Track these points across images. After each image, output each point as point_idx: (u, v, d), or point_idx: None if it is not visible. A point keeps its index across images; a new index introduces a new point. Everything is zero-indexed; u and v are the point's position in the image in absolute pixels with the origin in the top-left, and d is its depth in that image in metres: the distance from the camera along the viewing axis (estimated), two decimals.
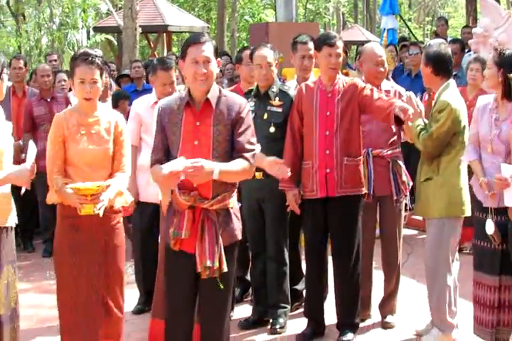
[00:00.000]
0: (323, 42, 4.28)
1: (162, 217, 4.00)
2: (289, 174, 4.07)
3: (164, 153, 3.41)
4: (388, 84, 4.81)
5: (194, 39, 3.30)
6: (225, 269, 3.15)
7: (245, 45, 7.03)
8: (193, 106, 3.29)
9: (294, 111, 4.38)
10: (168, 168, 3.00)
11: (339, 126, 4.26)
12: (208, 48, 3.24)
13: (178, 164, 2.99)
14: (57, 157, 3.72)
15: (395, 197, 4.49)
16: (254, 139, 3.42)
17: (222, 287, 3.25)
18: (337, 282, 4.44)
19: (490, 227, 3.87)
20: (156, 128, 3.48)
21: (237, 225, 3.41)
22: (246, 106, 3.42)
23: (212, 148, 3.22)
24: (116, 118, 3.87)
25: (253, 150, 3.38)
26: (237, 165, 3.22)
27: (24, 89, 7.02)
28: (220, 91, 3.41)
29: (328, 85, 4.38)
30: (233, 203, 3.36)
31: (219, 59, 3.44)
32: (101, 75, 3.74)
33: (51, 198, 3.79)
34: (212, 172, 2.98)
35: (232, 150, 3.28)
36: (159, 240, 4.31)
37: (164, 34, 14.62)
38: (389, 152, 4.49)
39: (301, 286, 5.07)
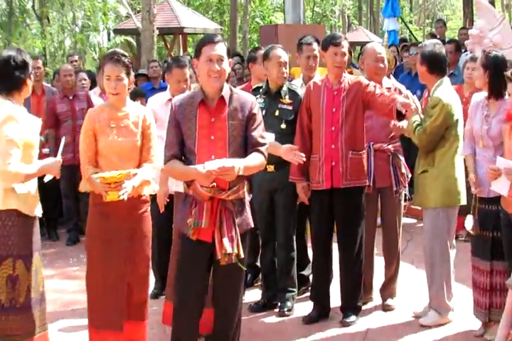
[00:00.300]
0: (329, 42, 4.46)
1: (176, 207, 4.14)
2: (304, 159, 4.23)
3: (179, 148, 3.53)
4: (389, 82, 4.96)
5: (208, 39, 3.44)
6: (242, 255, 3.31)
7: (256, 45, 7.24)
8: (208, 103, 3.42)
9: (302, 108, 4.54)
10: (207, 167, 3.16)
11: (344, 122, 4.43)
12: (221, 48, 3.38)
13: (214, 165, 3.15)
14: (88, 149, 3.90)
15: (394, 189, 4.66)
16: (265, 134, 3.59)
17: (243, 268, 3.43)
18: (342, 268, 4.62)
19: (469, 223, 4.16)
20: (169, 123, 3.60)
21: (250, 214, 3.55)
22: (256, 104, 3.59)
23: (228, 142, 3.38)
24: (144, 112, 4.06)
25: (266, 144, 3.55)
26: (256, 159, 3.41)
27: (43, 88, 7.23)
28: (230, 89, 3.56)
29: (335, 83, 4.55)
30: (245, 193, 3.51)
31: (230, 59, 3.57)
32: (127, 74, 3.91)
33: (84, 187, 3.98)
34: (239, 169, 3.16)
35: (245, 145, 3.44)
36: (173, 228, 4.47)
37: (180, 36, 14.79)
38: (389, 146, 4.66)
39: (307, 272, 5.26)
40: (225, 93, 3.45)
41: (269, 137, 3.65)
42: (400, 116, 4.16)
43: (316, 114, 4.53)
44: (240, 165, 3.21)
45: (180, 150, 3.51)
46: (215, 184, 3.26)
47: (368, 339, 4.40)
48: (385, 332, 4.51)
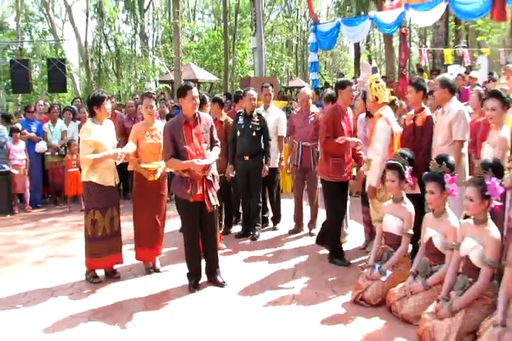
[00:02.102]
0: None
1: (173, 182, 4.71)
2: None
3: (173, 151, 4.36)
4: (314, 108, 6.61)
5: (190, 86, 4.46)
6: (218, 204, 4.66)
7: (238, 90, 9.90)
8: (189, 122, 4.46)
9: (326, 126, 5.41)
10: (202, 163, 4.33)
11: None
12: (196, 91, 4.42)
13: (205, 161, 4.33)
14: (133, 148, 4.95)
15: (312, 168, 6.33)
16: (216, 136, 4.72)
17: (217, 212, 4.68)
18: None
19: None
20: (165, 137, 4.50)
21: (218, 182, 4.70)
22: (212, 121, 4.70)
23: (204, 142, 4.50)
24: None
25: (218, 141, 4.77)
26: (217, 151, 4.68)
27: (114, 113, 8.71)
28: (198, 113, 4.52)
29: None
30: (214, 170, 4.67)
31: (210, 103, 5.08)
32: (155, 103, 5.14)
33: (130, 167, 5.17)
34: (213, 161, 4.46)
35: (210, 142, 4.59)
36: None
37: (196, 84, 18.39)
38: (310, 143, 6.32)
39: (266, 215, 6.99)
40: (197, 116, 4.48)
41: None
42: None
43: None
44: (213, 158, 4.50)
45: (174, 152, 4.39)
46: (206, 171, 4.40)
47: (300, 250, 5.94)
48: (311, 247, 6.01)
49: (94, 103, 4.90)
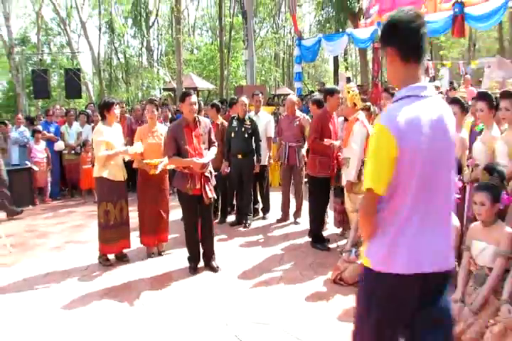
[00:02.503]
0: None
1: (175, 178, 4.63)
2: None
3: (175, 150, 4.35)
4: (299, 113, 6.56)
5: (189, 93, 4.47)
6: (215, 197, 4.67)
7: (233, 96, 9.85)
8: (189, 125, 4.43)
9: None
10: (200, 161, 4.34)
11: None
12: (194, 97, 4.41)
13: (203, 160, 4.35)
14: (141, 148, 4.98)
15: (298, 165, 6.41)
16: (214, 137, 4.67)
17: (213, 203, 4.61)
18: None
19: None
20: (168, 138, 4.49)
21: (214, 177, 4.65)
22: (210, 124, 4.66)
23: (203, 143, 4.50)
24: (165, 129, 5.08)
25: (215, 142, 4.69)
26: (214, 151, 4.61)
27: (124, 117, 8.70)
28: (197, 117, 4.50)
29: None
30: (211, 168, 4.61)
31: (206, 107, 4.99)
32: (157, 109, 5.16)
33: (135, 165, 5.19)
34: (210, 159, 4.41)
35: (208, 143, 4.56)
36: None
37: (195, 91, 18.32)
38: (295, 144, 6.37)
39: (257, 206, 6.99)
40: (197, 119, 4.46)
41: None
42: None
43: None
44: (210, 157, 4.45)
45: (176, 151, 4.38)
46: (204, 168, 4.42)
47: (286, 236, 5.98)
48: (296, 234, 6.09)
49: (104, 108, 4.91)
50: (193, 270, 4.67)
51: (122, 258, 5.15)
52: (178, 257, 5.21)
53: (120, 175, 4.95)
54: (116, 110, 4.95)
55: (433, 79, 14.32)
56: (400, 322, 1.97)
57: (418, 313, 1.94)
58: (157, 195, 5.07)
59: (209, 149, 4.59)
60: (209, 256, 4.77)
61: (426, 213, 1.88)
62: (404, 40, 1.88)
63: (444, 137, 1.90)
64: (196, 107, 4.43)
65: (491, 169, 3.36)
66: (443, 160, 1.90)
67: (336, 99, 5.41)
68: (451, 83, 12.87)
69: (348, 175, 5.03)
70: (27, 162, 8.36)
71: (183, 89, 17.67)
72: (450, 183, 1.97)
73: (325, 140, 5.33)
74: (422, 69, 1.93)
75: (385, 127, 1.82)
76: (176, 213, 6.40)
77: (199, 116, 4.58)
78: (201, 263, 4.90)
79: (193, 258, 4.74)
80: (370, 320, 1.95)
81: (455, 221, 3.59)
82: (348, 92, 5.08)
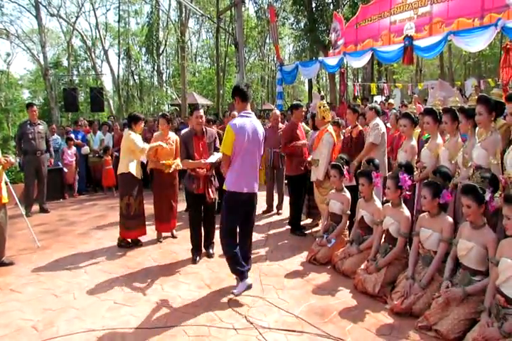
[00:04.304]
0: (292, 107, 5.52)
1: (185, 178, 4.47)
2: None
3: (186, 154, 4.28)
4: (281, 125, 6.35)
5: (197, 107, 4.39)
6: (217, 198, 4.44)
7: (226, 110, 9.76)
8: (197, 134, 4.31)
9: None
10: (207, 161, 4.16)
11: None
12: (201, 111, 4.31)
13: (209, 160, 4.14)
14: (153, 151, 4.94)
15: (280, 167, 6.30)
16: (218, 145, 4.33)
17: (216, 203, 4.36)
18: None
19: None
20: (181, 144, 4.37)
21: (216, 180, 4.43)
22: (216, 133, 4.51)
23: (208, 150, 4.33)
24: (176, 137, 5.13)
25: (219, 149, 3.94)
26: (219, 155, 4.05)
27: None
28: (205, 128, 4.37)
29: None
30: (213, 170, 4.38)
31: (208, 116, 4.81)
32: (168, 122, 5.09)
33: (150, 166, 5.12)
34: (216, 161, 4.13)
35: (213, 150, 4.34)
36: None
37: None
38: (279, 150, 6.11)
39: None
40: (204, 130, 4.37)
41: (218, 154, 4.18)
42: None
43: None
44: (214, 159, 4.16)
45: (187, 156, 4.29)
46: (206, 169, 4.23)
47: (270, 225, 5.86)
48: (278, 223, 6.00)
49: (133, 120, 4.89)
50: (195, 261, 4.41)
51: (137, 243, 5.07)
52: (183, 241, 5.12)
53: (139, 173, 4.90)
54: (142, 125, 4.96)
55: (388, 98, 14.38)
56: (238, 212, 3.45)
57: (245, 209, 3.48)
58: (169, 189, 5.01)
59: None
60: (209, 244, 4.59)
61: (247, 164, 3.40)
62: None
63: (256, 133, 3.45)
64: (202, 120, 4.31)
65: (436, 171, 3.35)
66: (255, 143, 3.43)
67: (300, 112, 5.41)
68: (402, 102, 12.94)
69: (317, 174, 5.01)
70: (59, 163, 8.29)
71: (186, 105, 17.67)
72: (258, 152, 3.51)
73: (293, 142, 5.28)
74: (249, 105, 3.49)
75: (231, 127, 3.34)
76: (182, 205, 6.26)
77: (206, 127, 4.45)
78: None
79: (196, 250, 4.49)
80: (226, 212, 3.44)
81: (406, 212, 3.61)
82: (320, 108, 5.09)
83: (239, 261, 3.49)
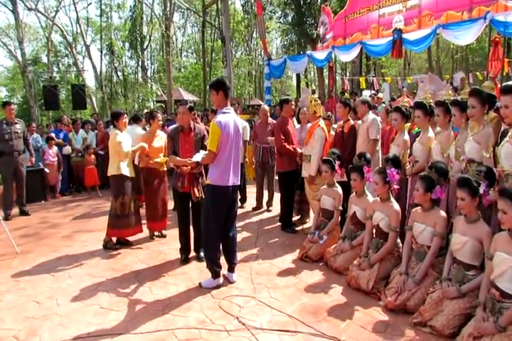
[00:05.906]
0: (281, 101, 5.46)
1: (173, 177, 4.38)
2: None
3: (174, 150, 4.22)
4: (271, 120, 6.29)
5: (182, 103, 4.34)
6: (203, 197, 4.08)
7: (213, 107, 9.75)
8: (184, 131, 4.23)
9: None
10: (192, 160, 3.98)
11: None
12: (183, 108, 4.22)
13: (194, 159, 3.94)
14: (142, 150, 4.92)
15: (270, 162, 6.32)
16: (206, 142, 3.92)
17: (202, 201, 3.97)
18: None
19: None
20: (168, 140, 4.32)
21: (204, 178, 4.27)
22: (205, 130, 4.30)
23: (194, 147, 4.20)
24: (165, 135, 5.09)
25: (207, 146, 3.77)
26: (204, 153, 3.78)
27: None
28: (193, 124, 4.29)
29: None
30: (201, 168, 4.25)
31: (193, 111, 4.37)
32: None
33: (141, 164, 5.08)
34: (201, 160, 3.79)
35: (200, 148, 4.14)
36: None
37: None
38: (266, 145, 6.16)
39: None
40: (191, 126, 4.28)
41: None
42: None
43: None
44: (199, 157, 3.84)
45: (175, 151, 4.23)
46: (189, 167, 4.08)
47: (261, 222, 5.88)
48: (269, 220, 6.03)
49: (114, 117, 4.83)
50: (183, 261, 4.36)
51: (126, 243, 5.02)
52: (170, 240, 5.08)
53: (132, 173, 4.90)
54: (125, 119, 4.84)
55: (377, 92, 14.45)
56: (223, 204, 3.65)
57: (229, 200, 3.67)
58: (159, 187, 5.02)
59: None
60: (198, 246, 4.43)
61: (231, 159, 3.59)
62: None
63: (237, 128, 3.66)
64: (186, 116, 4.19)
65: (432, 166, 3.35)
66: (237, 138, 3.65)
67: (290, 106, 5.37)
68: (391, 96, 13.02)
69: (309, 170, 4.99)
70: (40, 163, 8.10)
71: (172, 101, 17.53)
72: (239, 147, 3.73)
73: (292, 147, 5.27)
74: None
75: (217, 124, 3.50)
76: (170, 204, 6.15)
77: (195, 123, 4.36)
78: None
79: (184, 250, 4.43)
80: (212, 206, 3.63)
81: (395, 206, 3.61)
82: (311, 102, 5.09)
83: (218, 263, 3.76)
